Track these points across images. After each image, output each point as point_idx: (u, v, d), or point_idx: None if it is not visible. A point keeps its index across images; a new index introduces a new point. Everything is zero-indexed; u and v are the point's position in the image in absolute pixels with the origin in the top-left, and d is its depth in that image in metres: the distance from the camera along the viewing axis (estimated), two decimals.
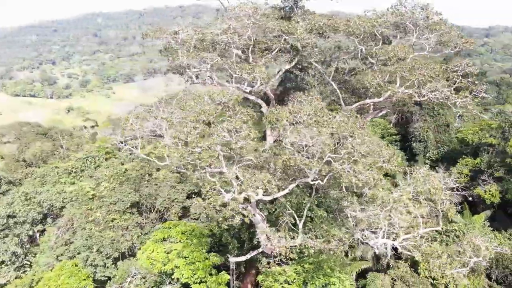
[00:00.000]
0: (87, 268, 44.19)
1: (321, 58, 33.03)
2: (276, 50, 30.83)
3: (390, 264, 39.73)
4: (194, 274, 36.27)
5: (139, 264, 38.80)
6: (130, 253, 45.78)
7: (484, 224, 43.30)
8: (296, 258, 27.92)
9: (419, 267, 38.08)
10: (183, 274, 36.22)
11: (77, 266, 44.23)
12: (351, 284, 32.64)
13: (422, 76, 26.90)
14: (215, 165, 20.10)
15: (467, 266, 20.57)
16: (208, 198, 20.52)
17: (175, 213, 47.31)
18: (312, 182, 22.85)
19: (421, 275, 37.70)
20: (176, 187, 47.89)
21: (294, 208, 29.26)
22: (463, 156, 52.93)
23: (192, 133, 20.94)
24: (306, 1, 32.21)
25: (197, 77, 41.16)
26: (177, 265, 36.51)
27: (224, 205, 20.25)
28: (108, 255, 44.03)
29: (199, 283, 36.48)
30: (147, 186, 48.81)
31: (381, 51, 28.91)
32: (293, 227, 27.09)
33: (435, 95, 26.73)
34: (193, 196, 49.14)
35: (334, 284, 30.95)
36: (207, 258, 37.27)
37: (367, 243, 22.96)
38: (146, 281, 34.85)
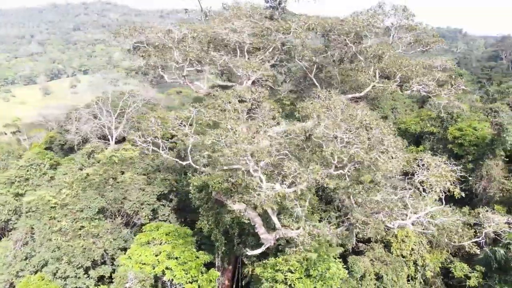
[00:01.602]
0: (55, 281, 41.78)
1: (312, 56, 34.74)
2: (272, 48, 31.92)
3: (363, 248, 42.63)
4: (187, 274, 36.23)
5: (121, 269, 37.76)
6: (103, 260, 44.05)
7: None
8: (317, 245, 29.31)
9: (391, 247, 41.59)
10: (175, 275, 35.99)
11: (43, 280, 41.55)
12: (344, 267, 34.80)
13: (410, 72, 29.71)
14: (269, 160, 20.71)
15: (481, 236, 23.57)
16: (259, 193, 20.98)
17: (145, 216, 46.24)
18: (335, 173, 24.51)
19: (394, 254, 41.15)
20: (145, 190, 46.79)
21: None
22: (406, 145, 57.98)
23: (238, 130, 21.33)
24: (295, 2, 33.59)
25: (162, 77, 41.06)
26: (169, 267, 36.20)
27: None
28: (80, 265, 42.03)
29: (191, 283, 36.54)
30: (112, 191, 47.03)
31: (370, 49, 31.28)
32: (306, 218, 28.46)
33: (422, 88, 29.67)
34: (162, 198, 48.52)
35: (332, 268, 32.87)
36: (197, 257, 37.38)
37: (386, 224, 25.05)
38: (143, 285, 34.06)
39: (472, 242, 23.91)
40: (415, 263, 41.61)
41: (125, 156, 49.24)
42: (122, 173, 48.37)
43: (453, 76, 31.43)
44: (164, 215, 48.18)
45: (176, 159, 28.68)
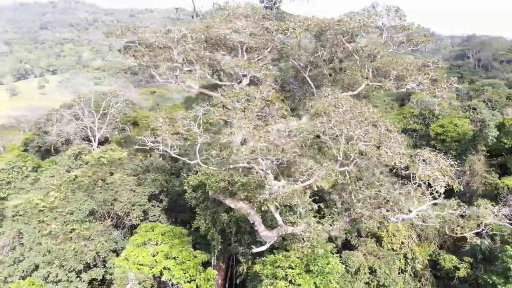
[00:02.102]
0: (46, 285, 41.04)
1: (308, 56, 35.28)
2: (270, 48, 32.31)
3: (355, 243, 43.56)
4: (185, 273, 36.22)
5: (117, 271, 37.41)
6: (94, 263, 43.49)
7: None
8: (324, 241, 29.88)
9: (382, 242, 42.68)
10: (174, 275, 35.91)
11: (34, 284, 40.73)
12: (341, 262, 35.59)
13: (406, 70, 30.67)
14: (284, 158, 21.07)
15: (481, 227, 24.69)
16: (272, 190, 21.37)
17: (136, 217, 45.85)
18: (341, 169, 25.14)
19: (385, 248, 42.26)
20: (136, 191, 46.36)
21: None
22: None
23: (251, 129, 21.60)
24: (290, 2, 34.08)
25: (152, 77, 41.01)
26: (167, 267, 36.08)
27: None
28: (72, 268, 41.42)
29: (189, 282, 36.55)
30: (101, 192, 46.40)
31: (366, 48, 32.08)
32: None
33: (417, 85, 30.66)
34: (152, 199, 48.12)
35: (331, 263, 33.57)
36: (195, 256, 37.41)
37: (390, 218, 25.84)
38: (143, 286, 33.92)
39: (473, 233, 25.01)
40: (405, 256, 42.85)
41: (113, 157, 48.62)
42: (111, 174, 47.76)
43: (445, 75, 32.65)
44: (154, 215, 47.78)
45: (184, 159, 28.56)
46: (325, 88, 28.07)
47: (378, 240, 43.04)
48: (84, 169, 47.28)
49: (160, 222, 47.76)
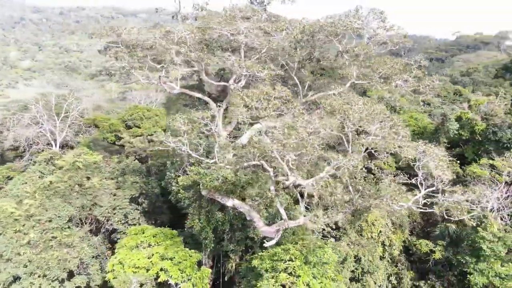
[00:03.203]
0: None
1: (300, 56, 36.45)
2: (266, 48, 33.17)
3: (335, 234, 45.53)
4: (182, 273, 36.29)
5: (111, 275, 36.71)
6: (78, 271, 42.21)
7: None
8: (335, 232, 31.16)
9: (363, 231, 45.03)
10: (171, 275, 35.87)
11: None
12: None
13: (393, 69, 32.88)
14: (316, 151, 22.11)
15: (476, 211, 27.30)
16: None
17: (118, 221, 45.01)
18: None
19: (365, 237, 44.65)
20: (117, 194, 45.46)
21: None
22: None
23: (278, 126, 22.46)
24: (281, 4, 35.10)
25: (129, 78, 40.81)
26: (164, 268, 35.94)
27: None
28: (55, 277, 40.01)
29: (185, 281, 36.67)
30: (78, 198, 45.01)
31: (356, 48, 33.94)
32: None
33: (404, 83, 32.98)
34: (132, 202, 47.33)
35: (327, 253, 35.17)
36: (191, 256, 37.54)
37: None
38: None
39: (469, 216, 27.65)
40: (383, 243, 45.49)
41: (88, 161, 47.19)
42: (88, 178, 46.39)
43: (426, 73, 35.25)
44: (134, 218, 47.12)
45: (202, 158, 28.69)
46: (334, 86, 29.51)
47: (358, 231, 45.32)
48: (59, 174, 45.50)
49: (139, 224, 47.20)
